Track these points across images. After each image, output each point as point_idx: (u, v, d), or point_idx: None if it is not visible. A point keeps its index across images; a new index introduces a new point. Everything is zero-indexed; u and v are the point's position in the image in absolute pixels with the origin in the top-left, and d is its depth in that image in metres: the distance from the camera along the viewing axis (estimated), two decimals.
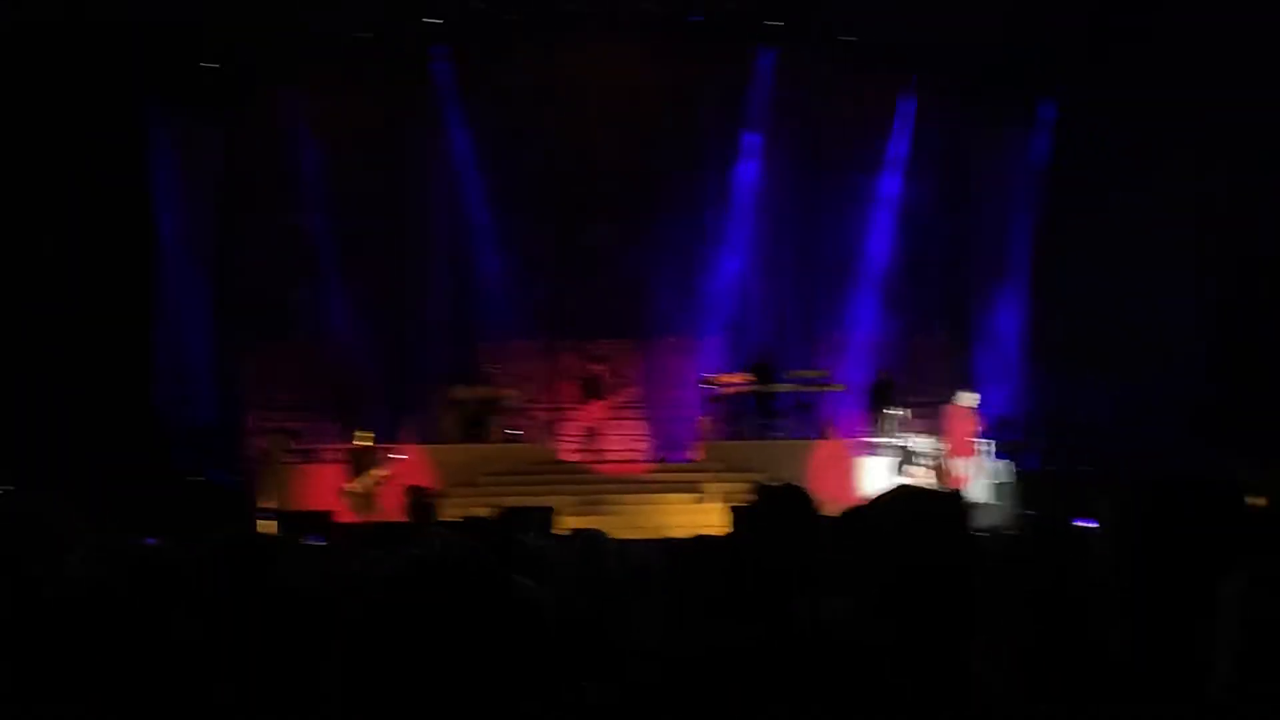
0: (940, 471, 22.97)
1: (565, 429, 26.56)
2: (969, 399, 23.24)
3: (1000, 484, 22.93)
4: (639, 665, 4.09)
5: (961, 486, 22.21)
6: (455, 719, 3.38)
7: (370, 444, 22.38)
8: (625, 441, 25.76)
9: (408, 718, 3.44)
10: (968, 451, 22.99)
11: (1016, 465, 23.51)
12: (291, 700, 4.10)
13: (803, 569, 4.16)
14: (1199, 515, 2.83)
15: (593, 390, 25.34)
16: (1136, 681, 2.78)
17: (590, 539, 8.51)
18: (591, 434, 25.02)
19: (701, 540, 4.68)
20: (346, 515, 21.06)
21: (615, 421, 25.55)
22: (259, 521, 20.86)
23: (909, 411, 24.89)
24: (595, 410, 25.00)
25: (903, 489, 3.44)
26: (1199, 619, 2.67)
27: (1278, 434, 21.50)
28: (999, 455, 23.53)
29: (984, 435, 23.26)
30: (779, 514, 4.83)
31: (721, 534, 9.01)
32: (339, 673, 4.10)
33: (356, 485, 21.86)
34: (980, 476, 22.98)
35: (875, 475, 22.99)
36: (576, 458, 25.53)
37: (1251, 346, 22.70)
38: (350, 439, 23.08)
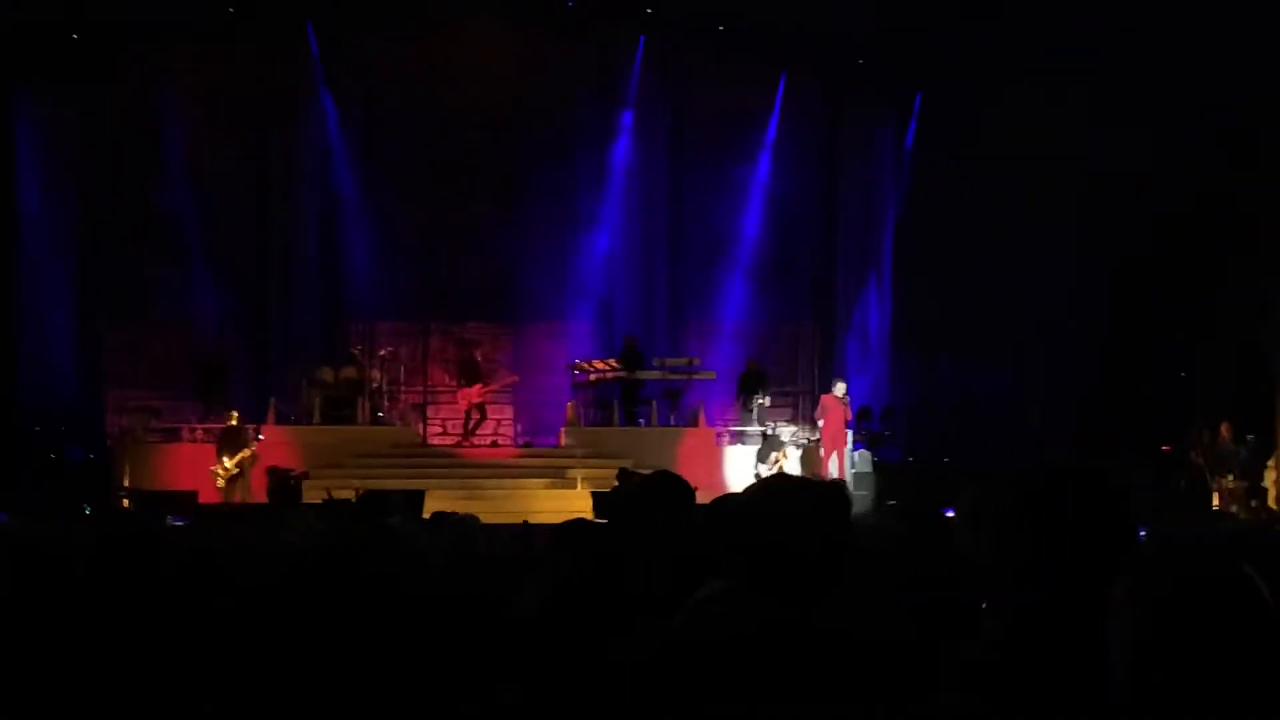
0: (806, 461, 23.19)
1: (438, 412, 26.54)
2: (840, 389, 23.48)
3: (860, 474, 23.14)
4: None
5: (826, 476, 22.45)
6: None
7: (239, 424, 22.20)
8: (493, 426, 25.77)
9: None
10: (838, 442, 23.19)
11: (876, 456, 23.81)
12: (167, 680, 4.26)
13: (676, 554, 4.17)
14: (1080, 510, 2.82)
15: (471, 374, 25.19)
16: (1006, 670, 2.76)
17: (461, 524, 8.57)
18: (470, 417, 24.94)
19: (574, 525, 4.90)
20: (212, 495, 20.99)
21: (491, 406, 25.50)
22: (122, 500, 20.90)
23: (769, 400, 25.21)
24: (474, 394, 24.87)
25: (783, 476, 3.50)
26: (1075, 614, 2.69)
27: (1141, 425, 22.48)
28: (858, 446, 23.81)
29: (850, 425, 23.51)
30: (653, 500, 4.80)
31: (592, 519, 9.14)
32: (221, 660, 4.21)
33: (226, 465, 21.65)
34: (846, 466, 23.18)
35: (742, 464, 23.15)
36: (447, 441, 25.51)
37: (1114, 337, 23.37)
38: (216, 419, 22.95)
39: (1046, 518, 2.80)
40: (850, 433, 23.55)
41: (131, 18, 24.36)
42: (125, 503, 21.00)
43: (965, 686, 2.78)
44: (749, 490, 3.44)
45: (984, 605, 3.00)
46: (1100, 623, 2.58)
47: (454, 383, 26.37)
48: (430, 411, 26.73)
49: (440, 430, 26.26)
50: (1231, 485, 21.41)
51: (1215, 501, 21.40)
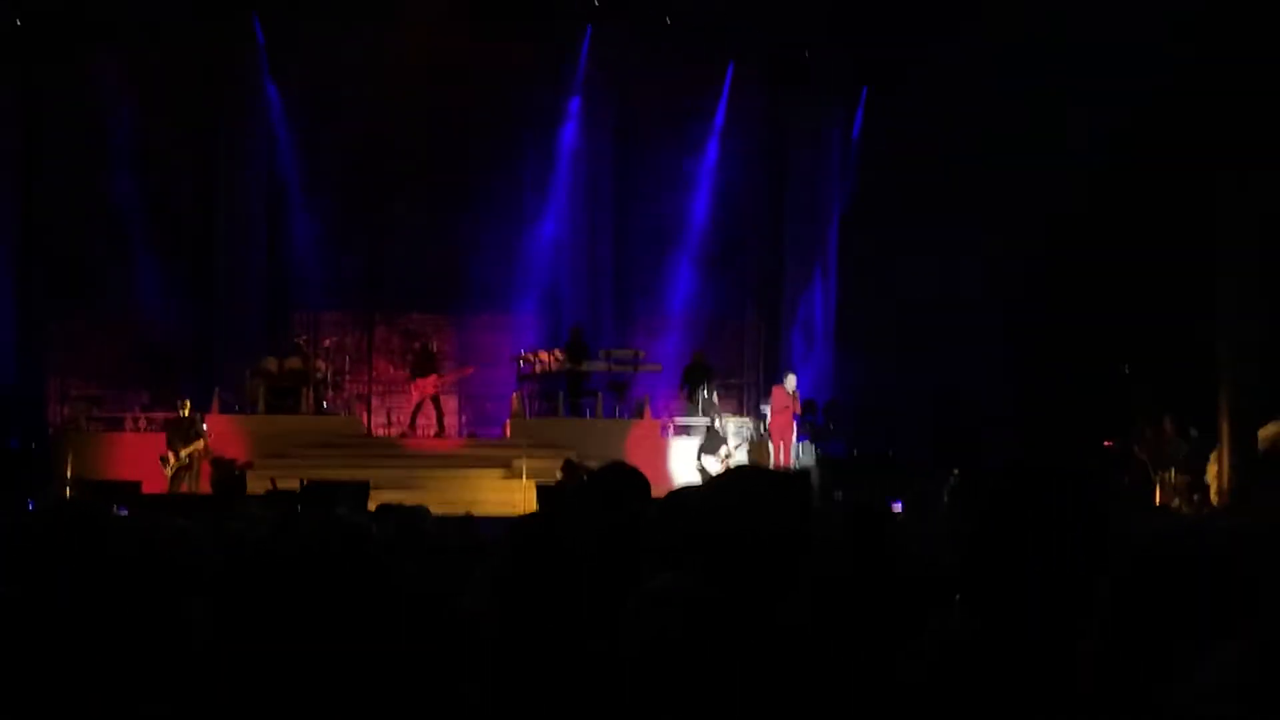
0: (754, 452, 23.30)
1: (382, 403, 26.63)
2: (792, 382, 23.64)
3: (805, 466, 23.11)
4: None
5: (777, 466, 22.53)
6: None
7: (194, 414, 22.13)
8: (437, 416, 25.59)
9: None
10: (785, 435, 23.38)
11: (820, 450, 23.92)
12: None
13: (631, 546, 4.18)
14: (1062, 506, 2.83)
15: (426, 365, 25.21)
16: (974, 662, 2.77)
17: (410, 514, 8.61)
18: (420, 409, 25.00)
19: (525, 520, 4.73)
20: (157, 485, 20.87)
21: (443, 396, 25.52)
22: (65, 490, 20.75)
23: (715, 396, 25.27)
24: (429, 385, 24.89)
25: (749, 467, 3.56)
26: (1052, 600, 2.71)
27: (1082, 420, 22.61)
28: (802, 438, 23.99)
29: (796, 419, 23.67)
30: (607, 491, 4.80)
31: (538, 513, 9.17)
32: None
33: (179, 455, 21.58)
34: (791, 459, 23.35)
35: (687, 456, 23.31)
36: (392, 432, 25.61)
37: (1055, 332, 23.51)
38: (160, 407, 22.99)
39: (1027, 514, 2.81)
40: (795, 426, 23.70)
41: (78, 3, 24.29)
42: (67, 492, 20.78)
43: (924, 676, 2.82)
44: (714, 481, 3.47)
45: (957, 598, 3.00)
46: (1076, 621, 2.54)
47: (400, 373, 26.42)
48: (374, 402, 26.80)
49: (384, 420, 26.32)
50: (1175, 480, 21.48)
51: (1158, 497, 21.47)
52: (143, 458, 21.72)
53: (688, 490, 4.53)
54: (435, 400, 24.94)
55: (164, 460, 21.46)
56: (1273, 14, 19.60)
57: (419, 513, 8.74)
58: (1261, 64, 19.79)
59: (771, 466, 22.34)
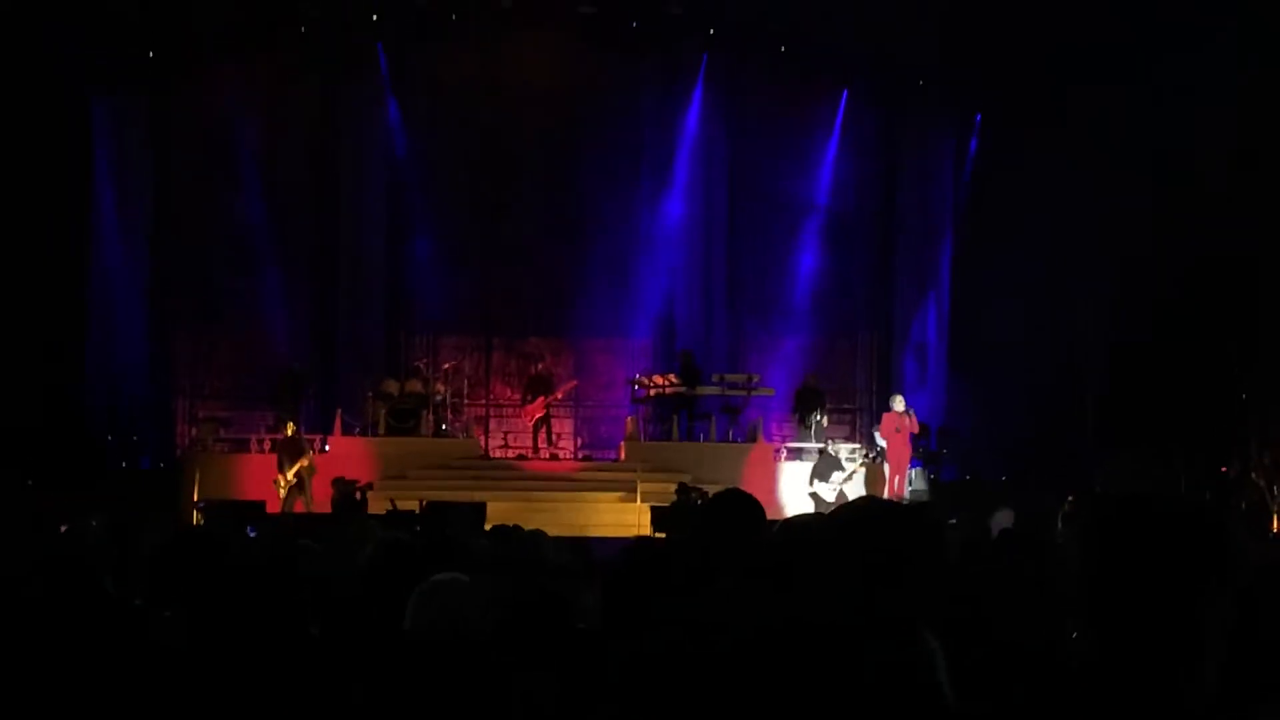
0: (869, 479, 23.30)
1: (500, 425, 27.00)
2: (900, 404, 23.62)
3: (916, 493, 23.37)
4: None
5: (892, 494, 22.67)
6: None
7: (299, 434, 22.47)
8: (556, 438, 26.12)
9: None
10: (902, 459, 23.36)
11: (932, 474, 24.08)
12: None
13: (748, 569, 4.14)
14: (1174, 536, 2.75)
15: (541, 387, 25.60)
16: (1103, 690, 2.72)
17: (531, 539, 8.93)
18: (538, 431, 25.37)
19: (641, 542, 4.90)
20: (276, 505, 21.22)
21: (556, 418, 25.91)
22: (194, 512, 21.14)
23: (826, 420, 25.46)
24: (537, 408, 25.28)
25: (868, 501, 3.45)
26: (1171, 632, 2.65)
27: (1186, 443, 22.61)
28: (915, 463, 23.96)
29: (913, 441, 23.65)
30: (724, 518, 4.76)
31: (656, 536, 9.30)
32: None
33: (286, 475, 21.89)
34: (906, 486, 23.36)
35: (798, 481, 23.35)
36: (509, 454, 25.85)
37: (1169, 359, 23.28)
38: (280, 429, 23.15)
39: (1151, 545, 2.73)
40: (910, 447, 23.64)
41: (206, 29, 25.04)
42: (196, 514, 21.12)
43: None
44: (840, 511, 3.34)
45: (1073, 634, 2.92)
46: (1197, 651, 2.56)
47: (516, 396, 26.78)
48: (492, 424, 27.18)
49: (501, 443, 26.60)
50: None
51: (1275, 524, 21.30)
52: (267, 478, 22.10)
53: (808, 518, 4.56)
54: (546, 422, 25.30)
55: (276, 483, 21.82)
56: None
57: (538, 536, 8.75)
58: None
59: (885, 493, 22.55)
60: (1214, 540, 2.75)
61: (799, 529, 4.03)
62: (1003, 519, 18.44)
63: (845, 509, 3.27)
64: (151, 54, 25.20)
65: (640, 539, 5.56)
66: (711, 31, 26.43)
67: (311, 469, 21.95)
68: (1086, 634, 2.75)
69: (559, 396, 25.92)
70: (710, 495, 6.00)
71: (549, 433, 25.46)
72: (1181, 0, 21.40)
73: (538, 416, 25.25)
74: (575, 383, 26.52)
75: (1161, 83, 21.91)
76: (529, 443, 25.71)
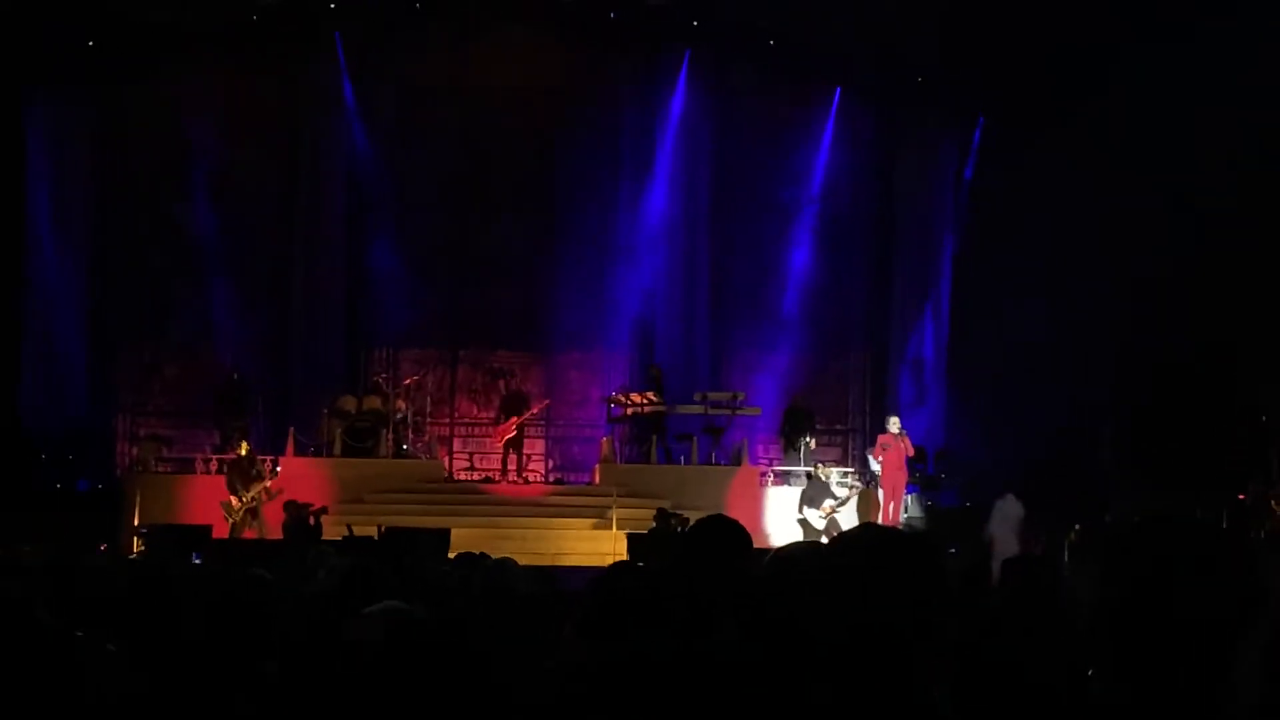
0: (863, 505, 23.06)
1: (465, 445, 26.93)
2: (895, 425, 23.48)
3: (911, 520, 23.31)
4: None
5: (887, 521, 22.43)
6: None
7: (253, 454, 22.26)
8: (526, 460, 26.08)
9: None
10: (898, 483, 23.26)
11: (929, 500, 24.08)
12: None
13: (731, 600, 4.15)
14: (1202, 560, 2.74)
15: (515, 405, 25.51)
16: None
17: (498, 568, 8.24)
18: (509, 451, 25.29)
19: (612, 571, 4.69)
20: (222, 529, 21.03)
21: (526, 439, 25.83)
22: (134, 538, 21.18)
23: (814, 442, 25.45)
24: (508, 429, 25.18)
25: (870, 529, 3.21)
26: (1203, 669, 2.64)
27: (1201, 469, 22.24)
28: (910, 489, 23.89)
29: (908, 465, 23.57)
30: (708, 546, 4.69)
31: (625, 563, 8.98)
32: None
33: (238, 499, 21.62)
34: (902, 513, 23.28)
35: (786, 506, 23.06)
36: (474, 477, 25.83)
37: (1180, 381, 23.20)
38: (230, 448, 23.02)
39: (1173, 570, 2.72)
40: (906, 471, 23.58)
41: (150, 19, 24.67)
42: (137, 541, 21.18)
43: None
44: (837, 543, 3.22)
45: (1090, 673, 2.96)
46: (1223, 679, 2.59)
47: (482, 414, 26.83)
48: (457, 445, 27.11)
49: (467, 464, 26.56)
50: None
51: None
52: (213, 501, 21.91)
53: (800, 549, 4.27)
54: (517, 444, 25.20)
55: (225, 506, 21.60)
56: None
57: (506, 564, 8.31)
58: None
59: (880, 519, 22.37)
60: (1246, 565, 2.75)
61: (791, 561, 3.94)
62: (1010, 512, 18.28)
63: (844, 538, 3.20)
64: (91, 43, 24.78)
65: (618, 564, 5.42)
66: (695, 24, 26.22)
67: (269, 493, 21.72)
68: (1107, 672, 2.76)
69: (535, 412, 25.70)
70: (692, 522, 6.14)
71: (519, 457, 25.29)
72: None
73: (508, 437, 25.00)
74: (546, 402, 26.32)
75: (1162, 84, 21.86)
76: (497, 464, 25.57)
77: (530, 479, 25.43)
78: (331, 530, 19.71)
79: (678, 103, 27.04)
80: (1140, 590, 2.73)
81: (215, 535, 20.44)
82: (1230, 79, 20.93)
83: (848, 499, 22.66)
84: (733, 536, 4.72)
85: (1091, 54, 23.02)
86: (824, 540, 21.03)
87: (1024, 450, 23.93)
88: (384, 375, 26.18)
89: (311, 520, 20.49)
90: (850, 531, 3.25)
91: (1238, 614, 2.69)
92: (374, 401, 24.77)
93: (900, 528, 20.62)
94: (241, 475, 21.82)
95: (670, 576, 4.56)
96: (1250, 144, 21.10)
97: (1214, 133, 21.43)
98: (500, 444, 25.33)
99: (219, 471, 23.16)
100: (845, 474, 24.89)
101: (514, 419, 25.13)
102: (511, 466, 25.21)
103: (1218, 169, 21.55)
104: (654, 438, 24.59)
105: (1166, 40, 21.43)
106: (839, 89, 27.06)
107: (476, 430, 27.06)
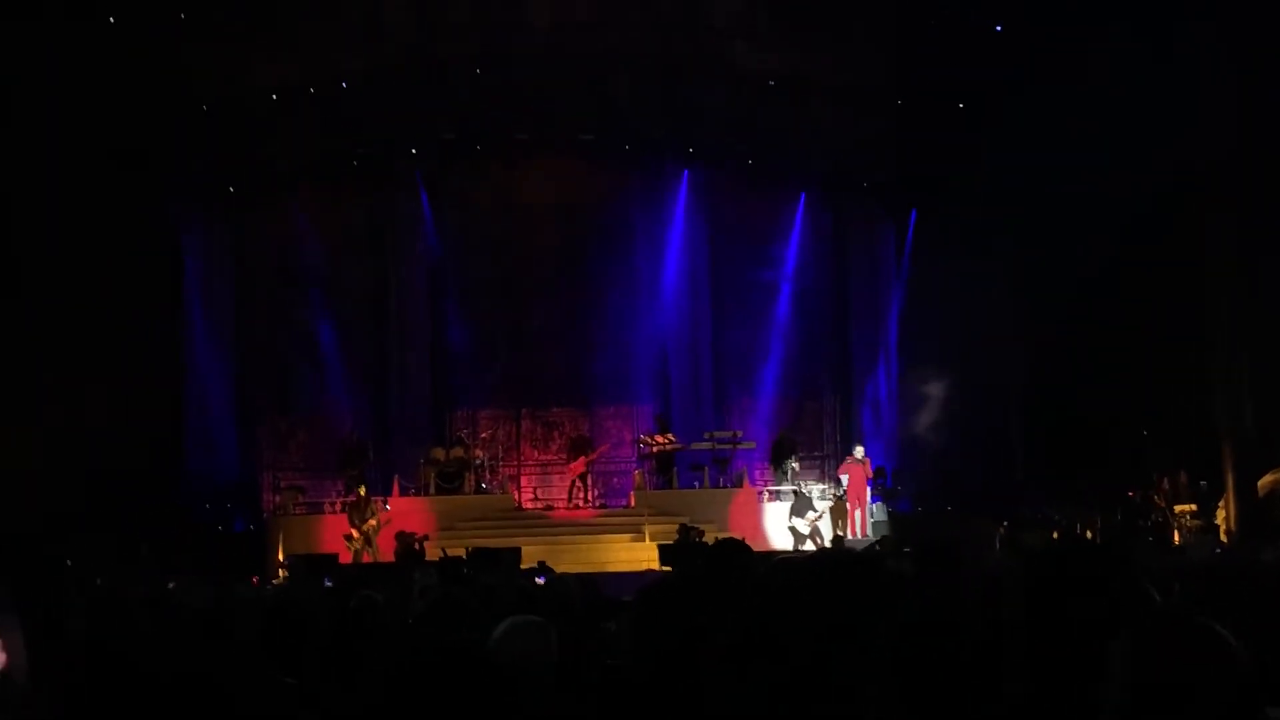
0: (835, 514, 23.78)
1: (529, 482, 27.30)
2: (859, 451, 24.26)
3: (878, 523, 23.91)
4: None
5: (855, 526, 23.53)
6: None
7: (368, 495, 22.80)
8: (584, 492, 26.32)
9: None
10: (860, 497, 23.91)
11: (891, 507, 24.48)
12: None
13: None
14: (1088, 577, 2.74)
15: (582, 447, 25.96)
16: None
17: (564, 581, 8.55)
18: (574, 487, 25.64)
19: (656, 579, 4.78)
20: (346, 557, 21.69)
21: (590, 475, 26.12)
22: (280, 569, 21.74)
23: (799, 465, 25.91)
24: (579, 466, 25.59)
25: (829, 553, 3.67)
26: (1086, 673, 2.61)
27: (1100, 474, 22.92)
28: (875, 499, 24.51)
29: (869, 483, 24.19)
30: (722, 559, 4.73)
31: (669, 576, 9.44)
32: None
33: (357, 531, 22.28)
34: (867, 517, 23.92)
35: (778, 517, 23.82)
36: (540, 505, 26.17)
37: (1081, 403, 23.46)
38: (350, 493, 23.52)
39: (1066, 587, 2.72)
40: (869, 489, 24.30)
41: (278, 168, 25.71)
42: (281, 570, 21.77)
43: None
44: (805, 565, 3.29)
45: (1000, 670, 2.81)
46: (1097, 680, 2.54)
47: (543, 457, 27.25)
48: (524, 481, 27.38)
49: (532, 496, 26.81)
50: (1190, 524, 21.77)
51: (1175, 538, 21.78)
52: (338, 535, 22.47)
53: (794, 562, 4.10)
54: (584, 478, 25.61)
55: (347, 538, 22.10)
56: None
57: (566, 578, 8.65)
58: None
59: (849, 525, 23.44)
60: (1125, 579, 2.76)
61: (785, 572, 3.72)
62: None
63: (818, 554, 3.41)
64: (232, 189, 25.88)
65: (660, 575, 5.01)
66: (690, 150, 26.96)
67: (378, 526, 22.24)
68: (1018, 671, 2.69)
69: (594, 458, 26.17)
70: (706, 534, 6.22)
71: (586, 488, 25.68)
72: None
73: (579, 473, 25.52)
74: (607, 446, 26.79)
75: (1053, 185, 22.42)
76: (555, 495, 26.00)
77: (580, 505, 25.67)
78: (432, 552, 20.33)
79: (680, 209, 27.61)
80: (1044, 600, 2.71)
81: (341, 561, 20.82)
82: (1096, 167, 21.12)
83: (824, 513, 23.47)
84: (738, 551, 4.72)
85: (991, 162, 23.54)
86: (810, 543, 22.33)
87: (959, 466, 24.63)
88: (465, 431, 26.51)
89: (416, 545, 21.10)
90: (824, 549, 3.81)
91: (1113, 618, 2.61)
92: (458, 451, 25.18)
93: (853, 549, 21.54)
94: (359, 513, 22.35)
95: (699, 584, 4.13)
96: (1141, 191, 20.96)
97: (1071, 213, 22.03)
98: (569, 478, 25.71)
99: (342, 510, 23.37)
100: (823, 490, 25.42)
101: (582, 458, 25.50)
102: (578, 497, 25.51)
103: (1084, 240, 22.05)
104: (674, 469, 25.11)
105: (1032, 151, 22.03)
106: (804, 194, 27.66)
107: (538, 470, 27.38)
